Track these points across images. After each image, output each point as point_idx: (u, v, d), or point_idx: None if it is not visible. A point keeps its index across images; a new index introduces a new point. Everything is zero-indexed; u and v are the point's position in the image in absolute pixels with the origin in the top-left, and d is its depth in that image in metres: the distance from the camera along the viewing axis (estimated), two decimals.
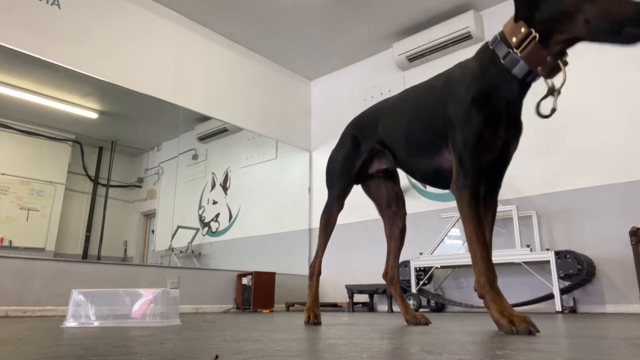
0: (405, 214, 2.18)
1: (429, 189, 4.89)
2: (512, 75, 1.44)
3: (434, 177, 1.76)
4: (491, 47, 1.49)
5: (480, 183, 1.52)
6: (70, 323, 1.94)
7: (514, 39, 1.41)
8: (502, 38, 1.46)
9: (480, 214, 1.53)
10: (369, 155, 2.05)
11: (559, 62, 1.40)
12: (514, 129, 1.58)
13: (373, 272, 5.14)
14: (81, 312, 1.95)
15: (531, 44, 1.37)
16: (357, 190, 6.00)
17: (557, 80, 1.45)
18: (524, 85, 1.48)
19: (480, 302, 1.47)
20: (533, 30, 1.37)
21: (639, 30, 1.23)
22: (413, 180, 5.04)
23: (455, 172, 1.53)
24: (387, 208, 2.21)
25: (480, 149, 1.48)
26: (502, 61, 1.45)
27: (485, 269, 1.45)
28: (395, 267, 2.21)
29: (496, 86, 1.48)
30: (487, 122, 1.48)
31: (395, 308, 4.62)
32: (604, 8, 1.27)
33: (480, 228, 1.51)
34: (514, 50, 1.41)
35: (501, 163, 1.61)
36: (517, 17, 1.39)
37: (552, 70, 1.42)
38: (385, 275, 2.25)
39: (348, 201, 6.12)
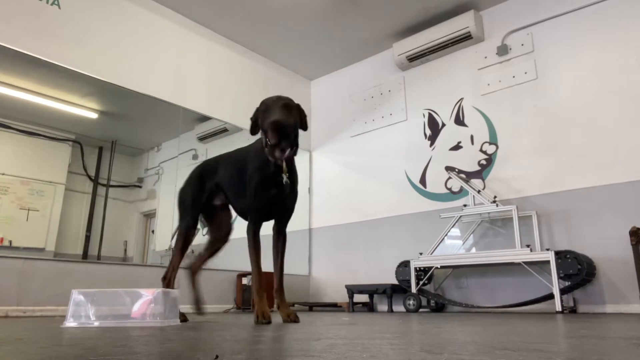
0: (227, 240, 2.93)
1: (429, 188, 4.90)
2: (268, 159, 2.20)
3: (246, 213, 2.46)
4: (262, 144, 2.23)
5: (259, 223, 2.37)
6: (70, 323, 1.94)
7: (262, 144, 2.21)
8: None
9: (257, 244, 2.39)
10: (210, 193, 2.70)
11: (281, 157, 2.15)
12: (282, 189, 2.29)
13: (373, 272, 5.15)
14: (81, 312, 1.95)
15: (267, 147, 2.14)
16: (357, 191, 6.01)
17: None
18: (275, 164, 2.22)
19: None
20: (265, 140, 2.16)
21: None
22: (413, 181, 5.05)
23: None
24: (217, 231, 2.86)
25: (257, 201, 2.30)
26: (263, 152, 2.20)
27: (257, 285, 2.37)
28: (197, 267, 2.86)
29: (263, 164, 2.26)
30: (258, 184, 2.28)
31: (396, 308, 4.62)
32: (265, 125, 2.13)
33: (258, 255, 2.41)
34: (265, 148, 2.16)
35: (282, 209, 2.40)
36: (252, 133, 2.30)
37: (280, 160, 2.18)
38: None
39: (348, 201, 6.14)
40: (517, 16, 4.59)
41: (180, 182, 2.89)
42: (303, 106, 2.39)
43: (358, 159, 5.64)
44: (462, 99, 4.87)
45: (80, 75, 4.11)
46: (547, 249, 3.69)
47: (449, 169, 4.66)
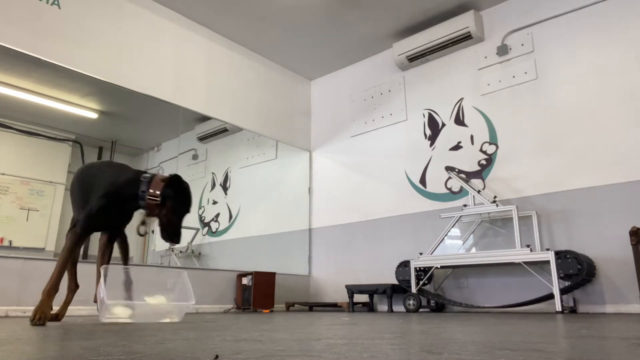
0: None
1: (429, 188, 4.90)
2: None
3: None
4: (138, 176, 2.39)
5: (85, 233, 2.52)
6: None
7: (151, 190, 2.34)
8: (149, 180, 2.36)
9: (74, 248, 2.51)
10: None
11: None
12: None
13: (373, 272, 5.15)
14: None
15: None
16: (357, 191, 6.00)
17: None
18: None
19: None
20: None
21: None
22: (413, 181, 5.04)
23: None
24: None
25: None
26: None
27: (52, 283, 2.43)
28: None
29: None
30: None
31: (396, 308, 4.62)
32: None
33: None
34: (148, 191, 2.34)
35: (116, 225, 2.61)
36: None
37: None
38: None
39: (348, 201, 6.12)
40: (517, 16, 4.59)
41: None
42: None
43: (358, 159, 5.64)
44: (462, 99, 4.87)
45: (80, 75, 4.12)
46: (547, 249, 3.69)
47: (449, 169, 4.66)
